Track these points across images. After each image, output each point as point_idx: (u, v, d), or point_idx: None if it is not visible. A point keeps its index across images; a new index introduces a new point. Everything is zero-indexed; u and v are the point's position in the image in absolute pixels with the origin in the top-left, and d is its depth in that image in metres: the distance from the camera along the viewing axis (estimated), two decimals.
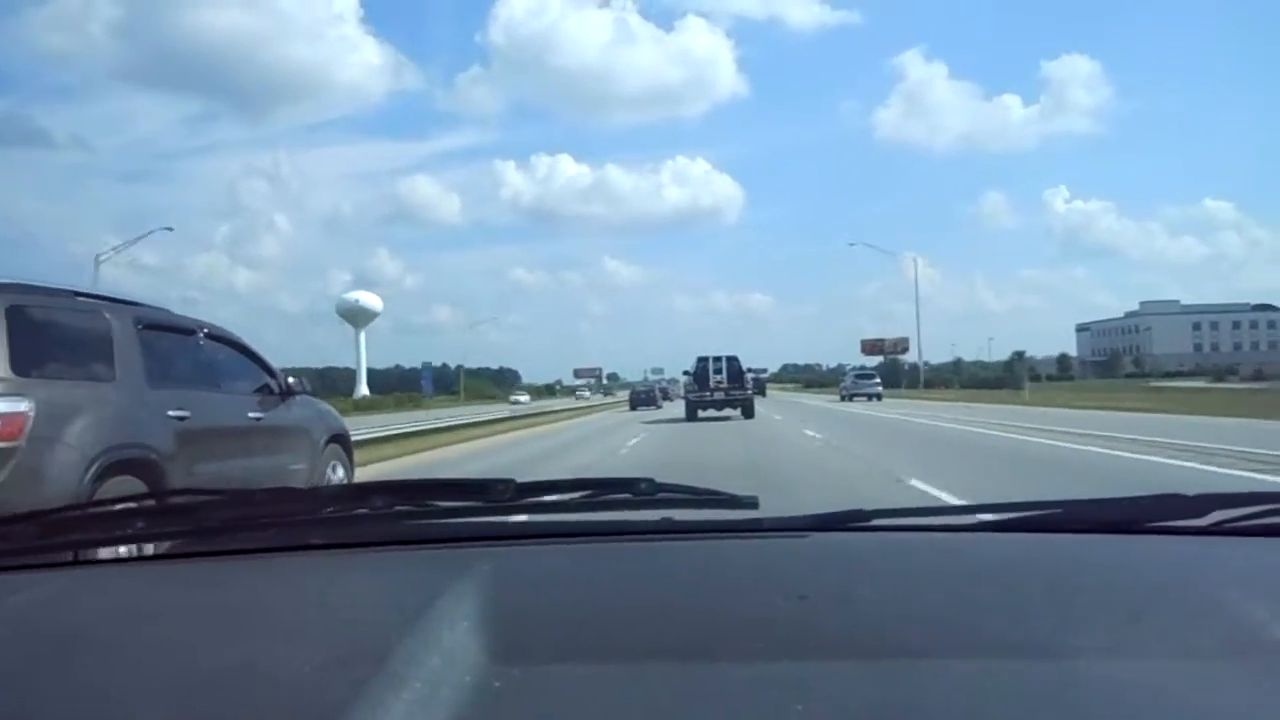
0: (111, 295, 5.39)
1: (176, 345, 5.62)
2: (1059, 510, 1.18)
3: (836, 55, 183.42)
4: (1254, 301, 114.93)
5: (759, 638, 0.78)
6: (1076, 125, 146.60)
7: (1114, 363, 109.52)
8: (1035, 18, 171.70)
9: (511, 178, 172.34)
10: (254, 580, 1.06)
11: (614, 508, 1.18)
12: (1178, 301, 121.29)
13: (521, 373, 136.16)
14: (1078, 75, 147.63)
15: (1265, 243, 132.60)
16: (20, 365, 4.27)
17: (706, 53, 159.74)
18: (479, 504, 1.16)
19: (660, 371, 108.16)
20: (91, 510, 1.17)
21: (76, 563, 1.12)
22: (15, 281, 4.64)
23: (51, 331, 4.69)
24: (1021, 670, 0.72)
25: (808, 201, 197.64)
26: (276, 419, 6.30)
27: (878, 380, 47.19)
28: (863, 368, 76.33)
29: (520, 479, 1.17)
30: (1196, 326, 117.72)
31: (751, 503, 1.17)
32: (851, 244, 48.25)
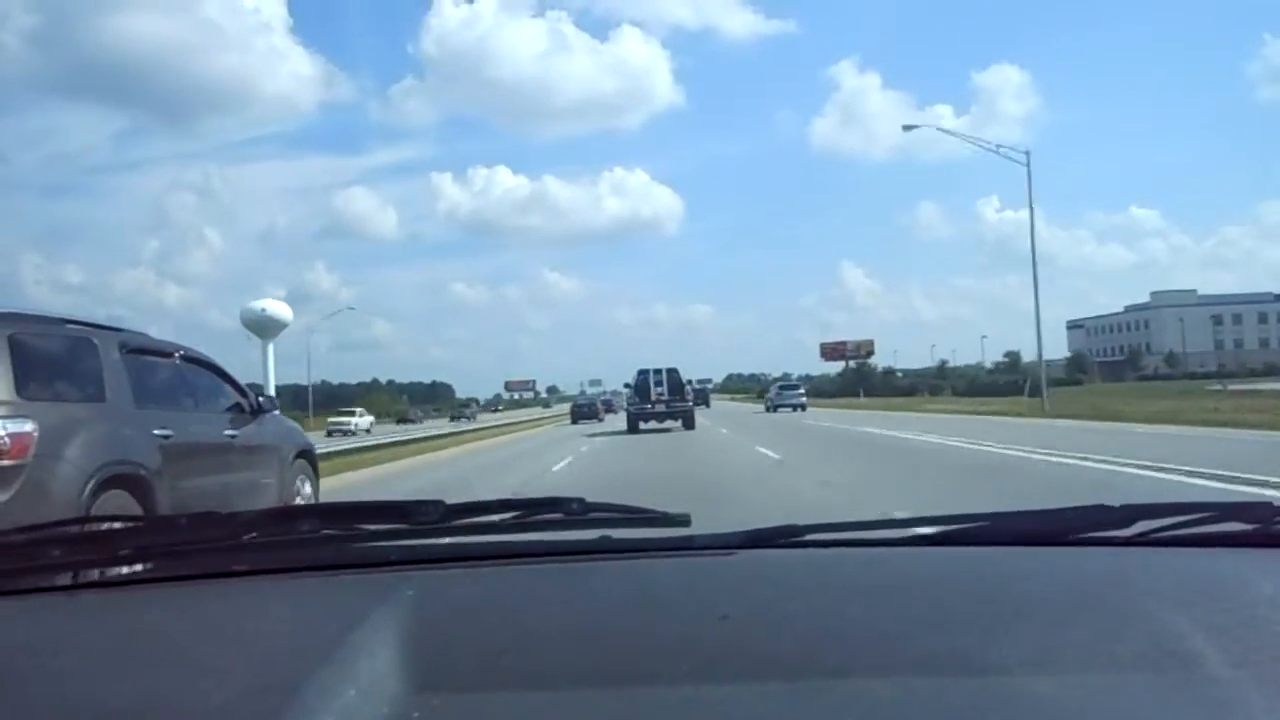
0: (97, 322, 5.75)
1: (157, 367, 5.99)
2: (985, 523, 1.19)
3: (772, 65, 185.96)
4: (1276, 291, 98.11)
5: (684, 660, 0.78)
6: (1007, 135, 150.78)
7: (1130, 363, 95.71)
8: (966, 29, 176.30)
9: (449, 190, 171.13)
10: (168, 610, 1.03)
11: (545, 528, 1.18)
12: (1195, 291, 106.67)
13: (456, 387, 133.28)
14: (1008, 85, 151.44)
15: (1189, 249, 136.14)
16: (24, 389, 4.63)
17: (642, 63, 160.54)
18: (406, 527, 1.15)
19: (598, 383, 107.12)
20: (2, 539, 1.14)
21: None
22: (13, 311, 5.01)
23: (48, 357, 5.05)
24: (942, 687, 0.73)
25: (746, 212, 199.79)
26: (249, 436, 6.67)
27: (802, 391, 48.85)
28: (787, 378, 77.60)
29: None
30: (1217, 320, 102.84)
31: (683, 520, 1.18)
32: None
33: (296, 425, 8.14)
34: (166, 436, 5.50)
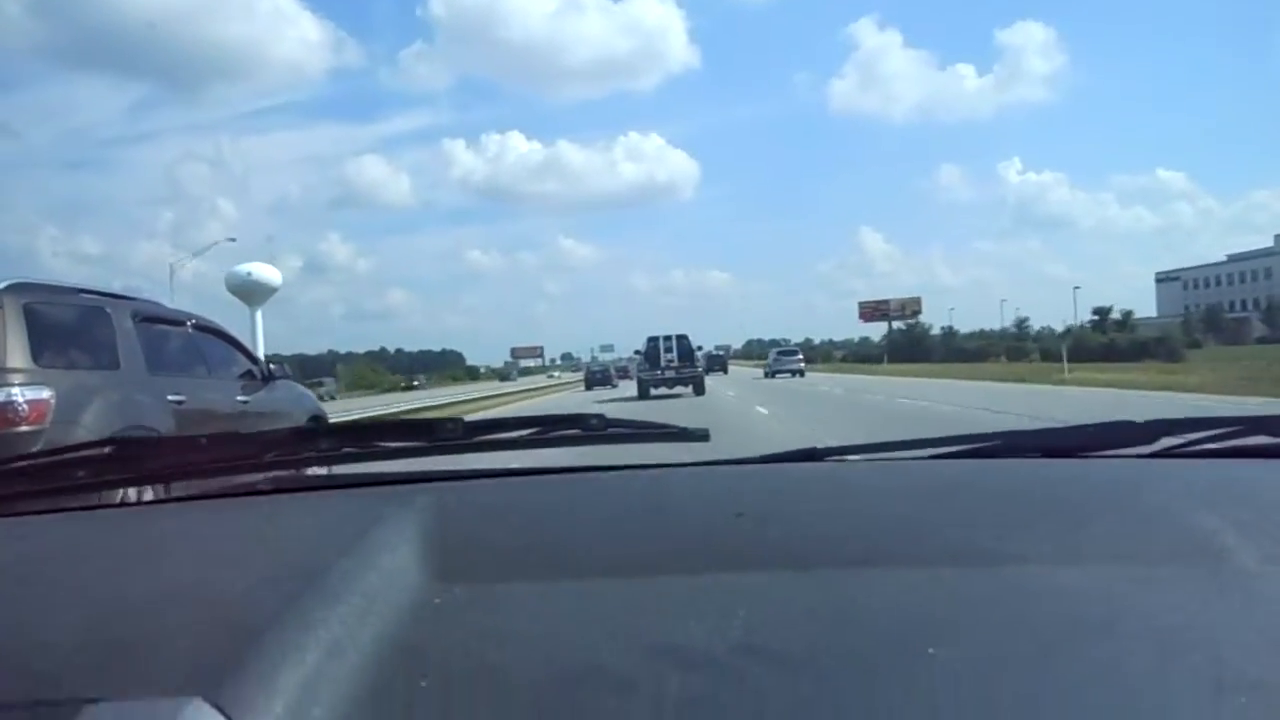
0: (110, 291, 5.87)
1: (169, 335, 6.12)
2: (1006, 440, 1.19)
3: (790, 23, 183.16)
4: None
5: (702, 553, 0.79)
6: (1031, 94, 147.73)
7: (1242, 322, 78.88)
8: None
9: (462, 156, 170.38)
10: (190, 523, 1.06)
11: (564, 444, 1.20)
12: None
13: (467, 355, 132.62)
14: (1032, 42, 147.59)
15: (1215, 212, 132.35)
16: (40, 357, 4.77)
17: (657, 22, 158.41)
18: (425, 444, 1.16)
19: (610, 348, 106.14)
20: (31, 461, 1.17)
21: (13, 514, 1.09)
22: (28, 281, 5.13)
23: (63, 326, 5.18)
24: (965, 577, 0.73)
25: (764, 176, 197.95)
26: (260, 402, 6.81)
27: (799, 357, 48.61)
28: (788, 343, 75.91)
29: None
30: None
31: (702, 435, 1.19)
32: None
33: (308, 392, 8.29)
34: (180, 402, 5.64)
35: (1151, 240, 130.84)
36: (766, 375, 44.74)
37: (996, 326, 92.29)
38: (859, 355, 76.35)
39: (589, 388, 42.12)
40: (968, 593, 0.71)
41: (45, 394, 4.67)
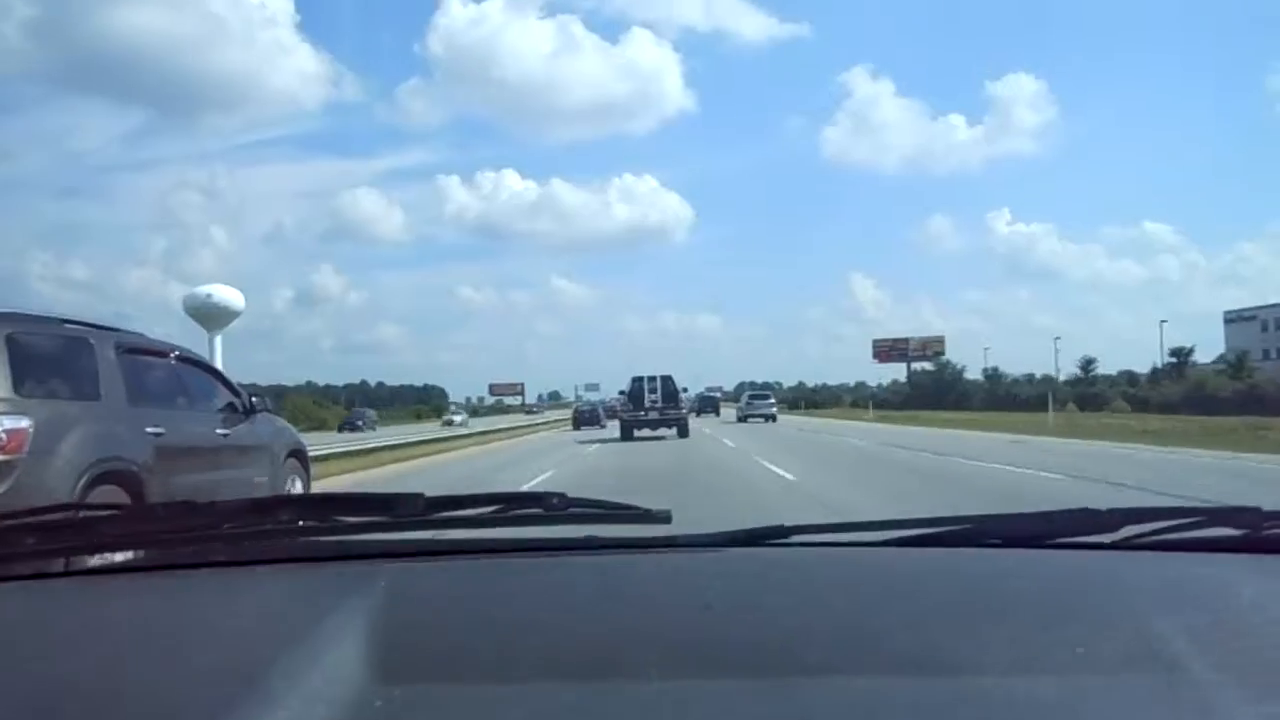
0: (94, 322, 5.91)
1: (152, 367, 6.15)
2: (972, 525, 1.18)
3: (785, 70, 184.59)
4: None
5: (659, 653, 0.77)
6: (1021, 146, 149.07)
7: None
8: (981, 36, 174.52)
9: (456, 193, 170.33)
10: (140, 598, 1.03)
11: (524, 523, 1.18)
12: None
13: (450, 390, 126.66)
14: (1023, 94, 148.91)
15: (1201, 266, 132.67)
16: (20, 386, 4.79)
17: (653, 66, 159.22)
18: (385, 519, 1.14)
19: (595, 387, 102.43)
20: None
21: None
22: (12, 311, 5.18)
23: (44, 355, 5.21)
24: (920, 687, 0.72)
25: (756, 220, 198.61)
26: (241, 435, 6.82)
27: (772, 401, 46.35)
28: (779, 387, 72.00)
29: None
30: None
31: (664, 517, 1.16)
32: None
33: (288, 425, 8.30)
34: (159, 434, 5.65)
35: (1139, 292, 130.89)
36: (739, 419, 43.28)
37: (1018, 369, 77.73)
38: (879, 401, 63.83)
39: (577, 427, 41.59)
40: (927, 703, 0.70)
41: (24, 423, 4.69)
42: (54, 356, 5.31)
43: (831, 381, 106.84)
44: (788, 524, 1.17)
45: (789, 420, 43.55)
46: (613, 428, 31.77)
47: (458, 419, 64.63)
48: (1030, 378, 71.94)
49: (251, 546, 1.16)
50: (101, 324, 5.98)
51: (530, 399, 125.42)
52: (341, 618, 0.84)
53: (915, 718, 0.68)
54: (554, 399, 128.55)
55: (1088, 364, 69.39)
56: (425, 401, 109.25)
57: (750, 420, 41.38)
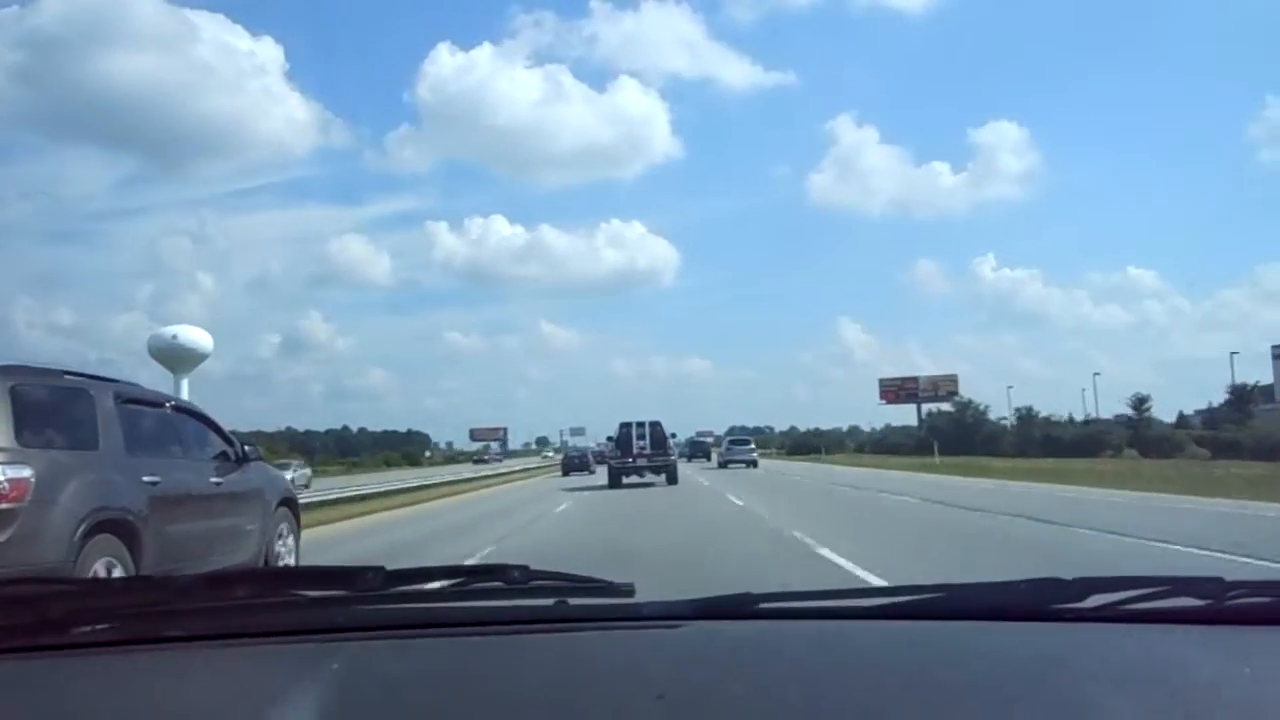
0: (93, 374, 6.05)
1: (148, 417, 6.28)
2: (942, 595, 1.20)
3: (770, 118, 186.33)
4: None
5: None
6: (1005, 192, 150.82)
7: None
8: (964, 84, 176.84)
9: (445, 239, 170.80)
10: (94, 678, 1.02)
11: (485, 596, 1.17)
12: None
13: (434, 435, 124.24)
14: (1005, 141, 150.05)
15: (1186, 311, 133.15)
16: (23, 437, 4.92)
17: (640, 113, 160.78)
18: (344, 594, 1.14)
19: (581, 431, 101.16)
20: None
21: None
22: (15, 364, 5.34)
23: (46, 407, 5.35)
24: None
25: (743, 265, 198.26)
26: (234, 484, 6.93)
27: (752, 447, 44.78)
28: (752, 431, 65.76)
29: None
30: None
31: (627, 590, 1.16)
32: None
33: (280, 474, 8.43)
34: (154, 483, 5.77)
35: (1126, 336, 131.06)
36: (720, 465, 42.09)
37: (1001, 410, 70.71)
38: (890, 447, 59.13)
39: (566, 473, 40.86)
40: None
41: (25, 473, 4.81)
42: (55, 407, 5.45)
43: (824, 425, 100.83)
44: (755, 592, 1.17)
45: (801, 470, 36.98)
46: (602, 474, 30.41)
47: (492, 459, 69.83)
48: (1071, 419, 63.84)
49: (211, 622, 1.14)
50: (100, 375, 6.13)
51: (517, 444, 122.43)
52: (294, 700, 0.83)
53: None
54: (541, 444, 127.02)
55: (1140, 402, 56.90)
56: (408, 447, 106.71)
57: (731, 466, 39.85)
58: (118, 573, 5.18)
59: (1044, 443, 51.86)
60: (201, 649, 1.09)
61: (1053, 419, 63.59)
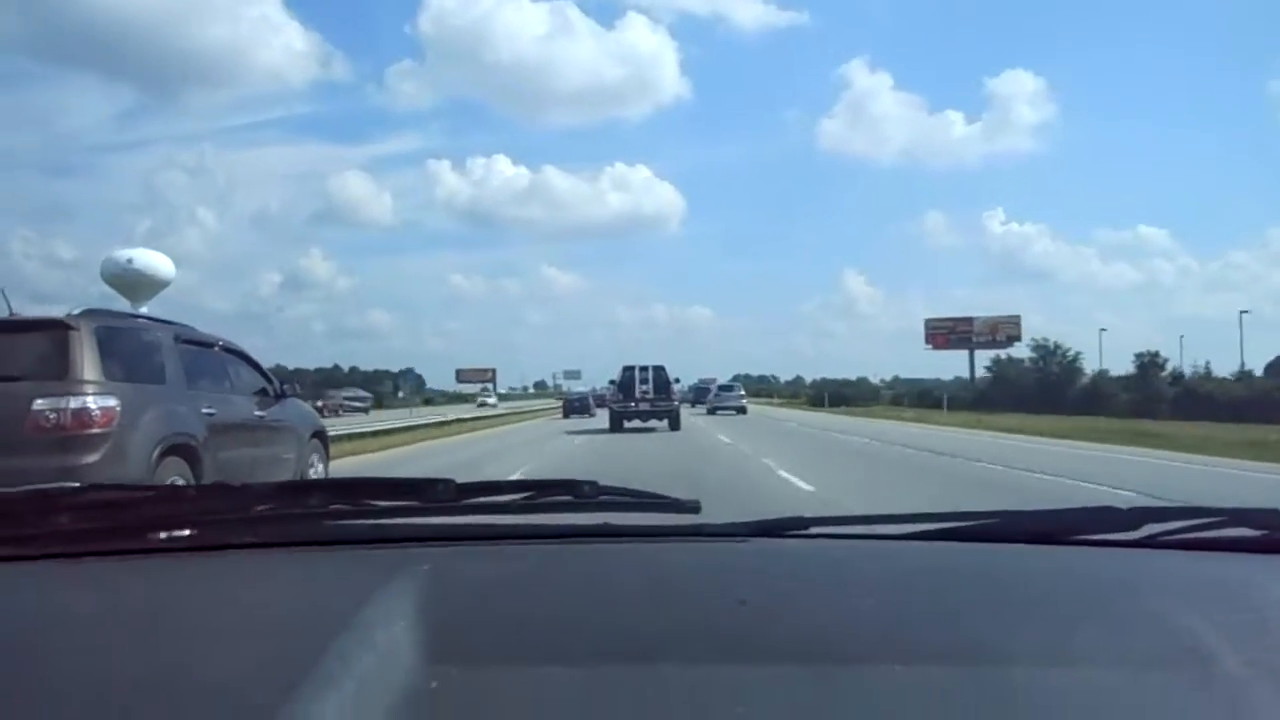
0: (157, 318, 6.88)
1: (202, 356, 7.13)
2: (994, 520, 1.20)
3: (782, 59, 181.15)
4: None
5: (700, 642, 0.79)
6: (1019, 144, 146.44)
7: None
8: (982, 31, 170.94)
9: (447, 178, 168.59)
10: (177, 580, 1.04)
11: (555, 510, 1.19)
12: None
13: (428, 376, 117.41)
14: (1022, 92, 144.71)
15: (1194, 271, 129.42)
16: (107, 371, 5.76)
17: (648, 52, 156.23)
18: (416, 504, 1.16)
19: (576, 374, 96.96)
20: (9, 504, 1.13)
21: None
22: (96, 308, 6.17)
23: (123, 346, 6.18)
24: (956, 676, 0.74)
25: (750, 213, 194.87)
26: (274, 416, 7.81)
27: (741, 393, 44.06)
28: (775, 380, 61.62)
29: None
30: None
31: (694, 507, 1.18)
32: None
33: (311, 409, 9.30)
34: (211, 414, 6.64)
35: (1130, 296, 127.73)
36: (708, 412, 41.40)
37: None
38: (955, 399, 47.88)
39: (566, 415, 41.51)
40: (959, 692, 0.72)
41: (113, 402, 5.66)
42: (129, 347, 6.28)
43: (859, 374, 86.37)
44: (807, 516, 1.20)
45: (850, 427, 27.96)
46: (603, 417, 30.26)
47: (491, 400, 66.21)
48: (1212, 375, 45.25)
49: (287, 529, 1.17)
50: (162, 319, 6.96)
51: (506, 387, 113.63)
52: (388, 600, 0.86)
53: (948, 708, 0.70)
54: (539, 388, 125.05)
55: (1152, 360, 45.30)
56: (400, 387, 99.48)
57: (719, 412, 39.74)
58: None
59: (1184, 402, 36.62)
60: (280, 554, 1.12)
61: (1201, 372, 45.26)
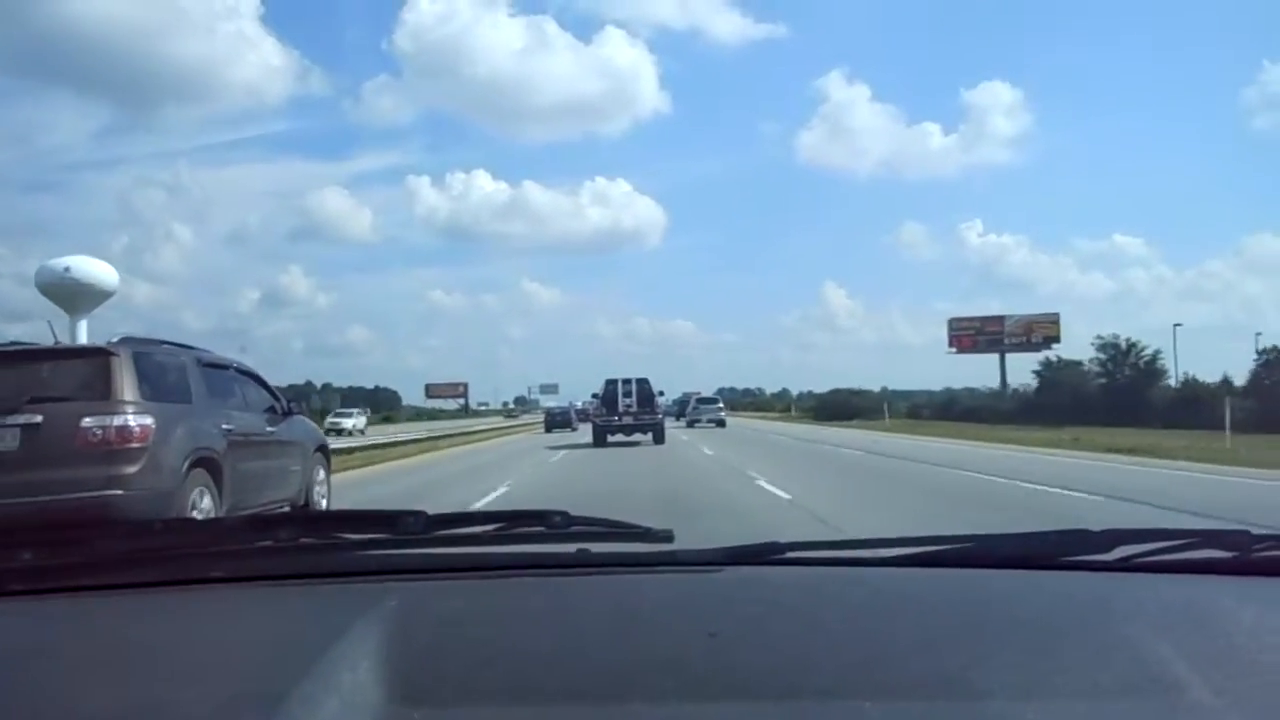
0: (182, 343, 7.64)
1: (220, 377, 7.88)
2: (970, 545, 1.20)
3: (760, 72, 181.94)
4: None
5: (671, 676, 0.78)
6: (996, 155, 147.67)
7: None
8: (958, 43, 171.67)
9: (426, 194, 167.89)
10: (146, 616, 1.03)
11: (527, 540, 1.18)
12: None
13: (404, 394, 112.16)
14: (999, 103, 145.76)
15: (1170, 280, 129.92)
16: (143, 392, 6.50)
17: (627, 66, 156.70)
18: (387, 536, 1.15)
19: (553, 389, 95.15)
20: None
21: None
22: (132, 336, 6.94)
23: (155, 370, 6.92)
24: (930, 711, 0.74)
25: (730, 226, 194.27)
26: (282, 432, 8.55)
27: (720, 406, 44.21)
28: (761, 393, 60.48)
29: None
30: None
31: (666, 536, 1.18)
32: None
33: (315, 425, 10.05)
34: (229, 430, 7.37)
35: (1105, 306, 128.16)
36: (687, 425, 41.20)
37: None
38: (996, 412, 41.26)
39: (549, 430, 42.10)
40: None
41: (149, 420, 6.40)
42: (160, 370, 7.02)
43: (817, 389, 79.53)
44: (782, 541, 1.19)
45: (905, 451, 20.26)
46: (585, 431, 29.71)
47: (348, 423, 45.34)
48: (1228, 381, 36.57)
49: (256, 564, 1.16)
50: (185, 344, 7.73)
51: (476, 401, 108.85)
52: (353, 637, 0.85)
53: None
54: (520, 403, 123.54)
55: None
56: (375, 404, 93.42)
57: (698, 426, 39.14)
58: (208, 498, 6.80)
59: (1188, 412, 30.20)
60: (248, 589, 1.12)
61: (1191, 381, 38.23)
